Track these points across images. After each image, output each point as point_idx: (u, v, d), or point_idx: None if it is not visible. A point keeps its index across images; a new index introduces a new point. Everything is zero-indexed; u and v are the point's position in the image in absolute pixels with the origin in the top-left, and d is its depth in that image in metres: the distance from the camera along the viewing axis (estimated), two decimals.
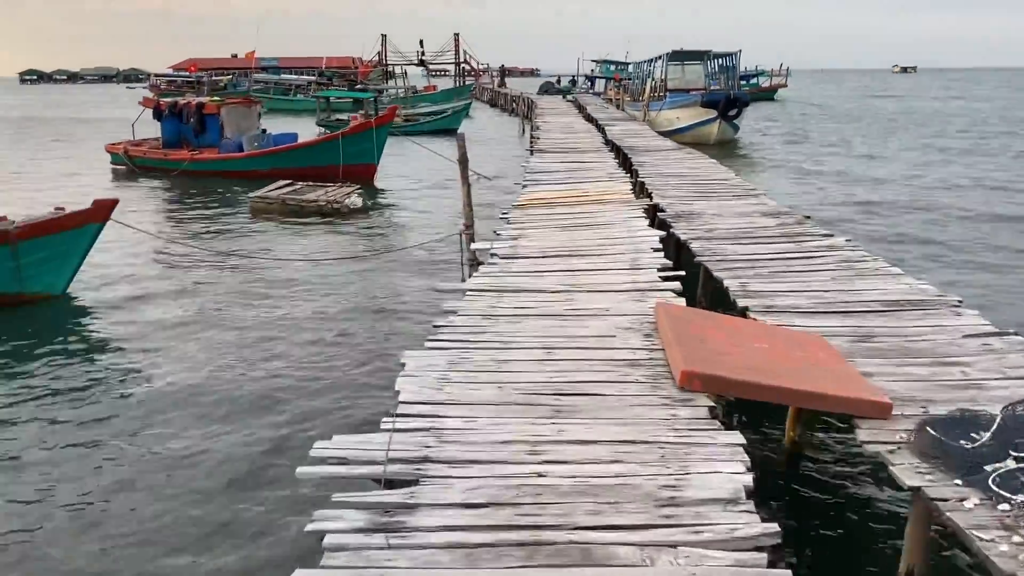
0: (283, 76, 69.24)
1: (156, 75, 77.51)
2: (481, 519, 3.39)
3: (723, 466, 3.78)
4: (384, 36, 75.32)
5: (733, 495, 3.53)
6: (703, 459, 3.87)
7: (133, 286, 11.35)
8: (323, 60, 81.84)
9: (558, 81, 67.10)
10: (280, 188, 17.45)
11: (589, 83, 62.10)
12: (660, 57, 33.15)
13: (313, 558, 3.21)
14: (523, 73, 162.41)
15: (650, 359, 5.22)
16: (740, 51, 31.98)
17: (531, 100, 43.94)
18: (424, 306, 9.50)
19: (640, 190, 13.04)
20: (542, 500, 3.53)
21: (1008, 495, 3.52)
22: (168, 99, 27.01)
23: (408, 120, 37.08)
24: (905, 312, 6.35)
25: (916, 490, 3.72)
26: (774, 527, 3.28)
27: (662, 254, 8.17)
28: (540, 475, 3.72)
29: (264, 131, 22.97)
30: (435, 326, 5.95)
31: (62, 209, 10.61)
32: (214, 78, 69.71)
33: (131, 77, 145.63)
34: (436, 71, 73.71)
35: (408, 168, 23.58)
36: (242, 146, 21.75)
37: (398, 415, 4.32)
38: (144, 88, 61.42)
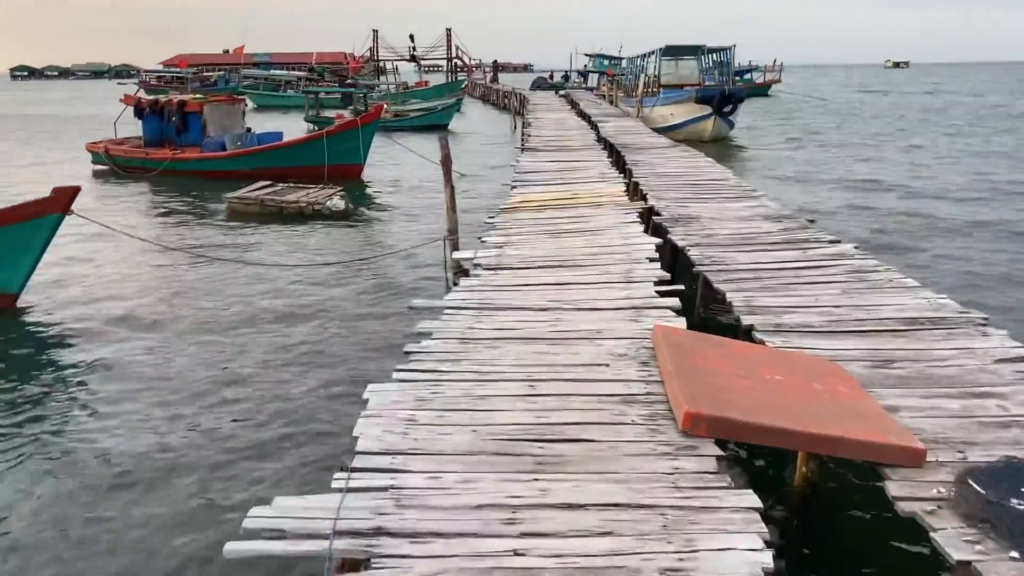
0: (273, 72, 68.36)
1: (146, 71, 76.60)
2: None
3: (737, 539, 3.17)
4: (376, 31, 74.43)
5: None
6: (712, 530, 3.26)
7: (90, 288, 10.74)
8: (314, 56, 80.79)
9: (551, 76, 66.27)
10: (260, 189, 16.74)
11: (582, 78, 61.47)
12: (654, 52, 32.46)
13: None
14: (516, 68, 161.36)
15: (647, 393, 4.59)
16: (735, 46, 31.38)
17: (523, 96, 43.21)
18: (398, 321, 8.82)
19: (634, 191, 12.45)
20: None
21: None
22: (149, 96, 26.23)
23: (398, 116, 36.49)
24: (926, 331, 5.80)
25: (966, 564, 3.13)
26: None
27: (658, 265, 7.57)
28: (518, 553, 3.10)
29: (249, 130, 22.28)
30: (406, 352, 5.32)
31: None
32: (205, 74, 68.98)
33: (122, 73, 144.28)
34: (428, 67, 72.86)
35: (396, 167, 22.89)
36: (225, 145, 21.05)
37: (353, 469, 3.70)
38: (135, 84, 60.46)
